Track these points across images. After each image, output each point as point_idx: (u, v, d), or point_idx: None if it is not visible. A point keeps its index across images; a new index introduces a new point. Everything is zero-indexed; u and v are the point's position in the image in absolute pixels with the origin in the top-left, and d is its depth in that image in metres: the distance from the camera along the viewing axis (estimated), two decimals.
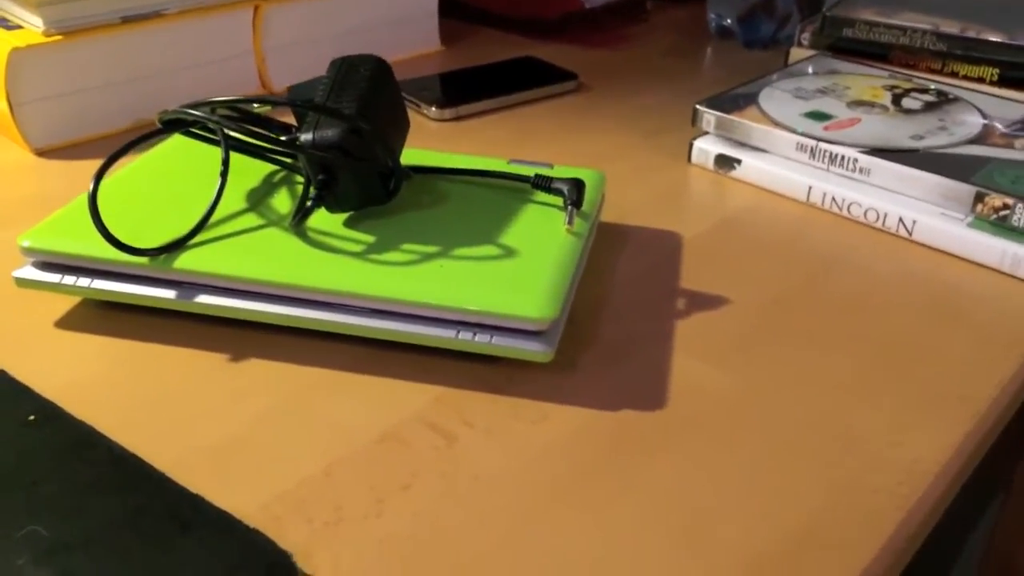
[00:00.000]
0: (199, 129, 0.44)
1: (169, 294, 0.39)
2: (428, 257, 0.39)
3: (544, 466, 0.34)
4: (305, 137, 0.40)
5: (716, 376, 0.39)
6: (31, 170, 0.56)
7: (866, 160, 0.52)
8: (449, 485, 0.33)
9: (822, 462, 0.35)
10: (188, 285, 0.40)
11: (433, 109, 0.65)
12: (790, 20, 0.80)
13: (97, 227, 0.39)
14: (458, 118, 0.65)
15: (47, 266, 0.41)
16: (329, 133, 0.40)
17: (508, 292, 0.37)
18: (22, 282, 0.40)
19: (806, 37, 0.71)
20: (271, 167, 0.47)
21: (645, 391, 0.38)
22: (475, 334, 0.37)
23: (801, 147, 0.54)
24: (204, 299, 0.39)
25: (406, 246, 0.40)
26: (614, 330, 0.42)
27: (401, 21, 0.76)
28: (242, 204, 0.43)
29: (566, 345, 0.40)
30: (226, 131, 0.43)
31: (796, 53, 0.71)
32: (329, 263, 0.39)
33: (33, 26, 0.56)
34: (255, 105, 0.47)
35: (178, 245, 0.40)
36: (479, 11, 0.87)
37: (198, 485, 0.32)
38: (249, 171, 0.46)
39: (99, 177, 0.40)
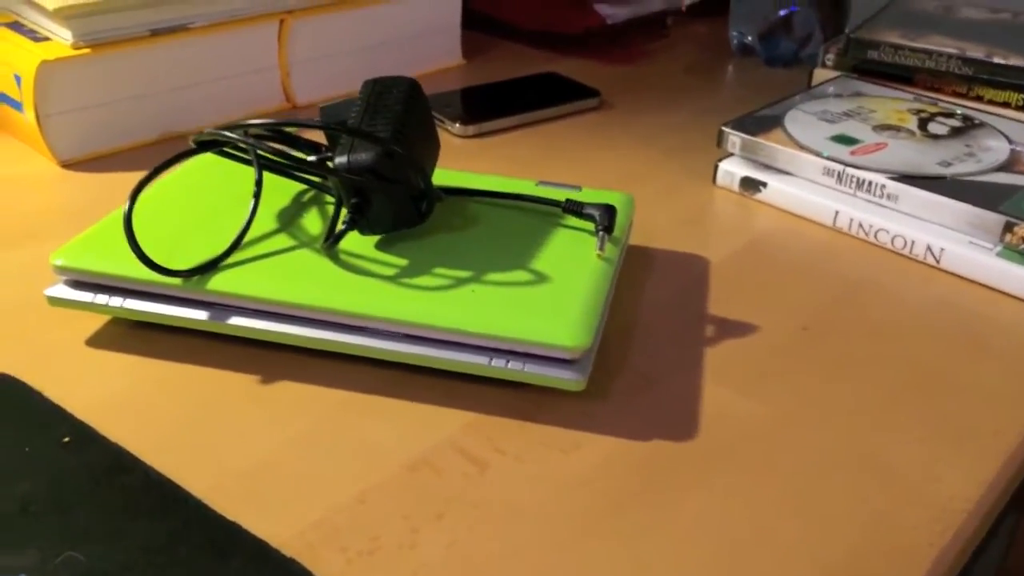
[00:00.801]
0: (232, 149, 0.44)
1: (201, 315, 0.39)
2: (460, 282, 0.39)
3: (576, 496, 0.34)
4: (340, 160, 0.40)
5: (746, 405, 0.39)
6: (57, 182, 0.56)
7: (894, 186, 0.52)
8: (482, 515, 0.33)
9: (856, 496, 0.35)
10: (220, 306, 0.40)
11: (457, 125, 0.65)
12: (812, 39, 0.80)
13: (132, 247, 0.39)
14: (481, 134, 0.65)
15: (79, 284, 0.41)
16: (363, 156, 0.40)
17: (541, 320, 0.37)
18: (54, 301, 0.40)
19: (830, 58, 0.71)
20: (301, 186, 0.47)
21: (676, 420, 0.38)
22: (508, 361, 0.37)
23: (828, 171, 0.54)
24: (236, 321, 0.39)
25: (437, 270, 0.40)
26: (644, 357, 0.42)
27: (424, 35, 0.76)
28: (273, 224, 0.43)
29: (597, 372, 0.40)
30: (259, 152, 0.43)
31: (820, 74, 0.71)
32: (361, 287, 0.39)
33: (62, 39, 0.57)
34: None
35: (212, 266, 0.40)
36: (501, 24, 0.87)
37: (233, 511, 0.32)
38: (279, 191, 0.46)
39: (134, 197, 0.41)
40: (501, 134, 0.65)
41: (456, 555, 0.31)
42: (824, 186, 0.55)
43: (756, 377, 0.41)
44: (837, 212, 0.53)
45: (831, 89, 0.65)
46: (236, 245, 0.41)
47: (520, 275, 0.40)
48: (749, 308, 0.46)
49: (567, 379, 0.37)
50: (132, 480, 0.33)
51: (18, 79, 0.56)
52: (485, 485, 0.34)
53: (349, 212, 0.41)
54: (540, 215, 0.45)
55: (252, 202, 0.42)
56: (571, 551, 0.32)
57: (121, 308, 0.40)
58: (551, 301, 0.38)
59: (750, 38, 0.82)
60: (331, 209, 0.44)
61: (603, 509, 0.34)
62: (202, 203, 0.45)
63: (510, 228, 0.44)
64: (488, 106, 0.68)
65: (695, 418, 0.38)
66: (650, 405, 0.39)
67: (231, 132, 0.42)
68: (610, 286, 0.42)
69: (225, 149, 0.44)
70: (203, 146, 0.43)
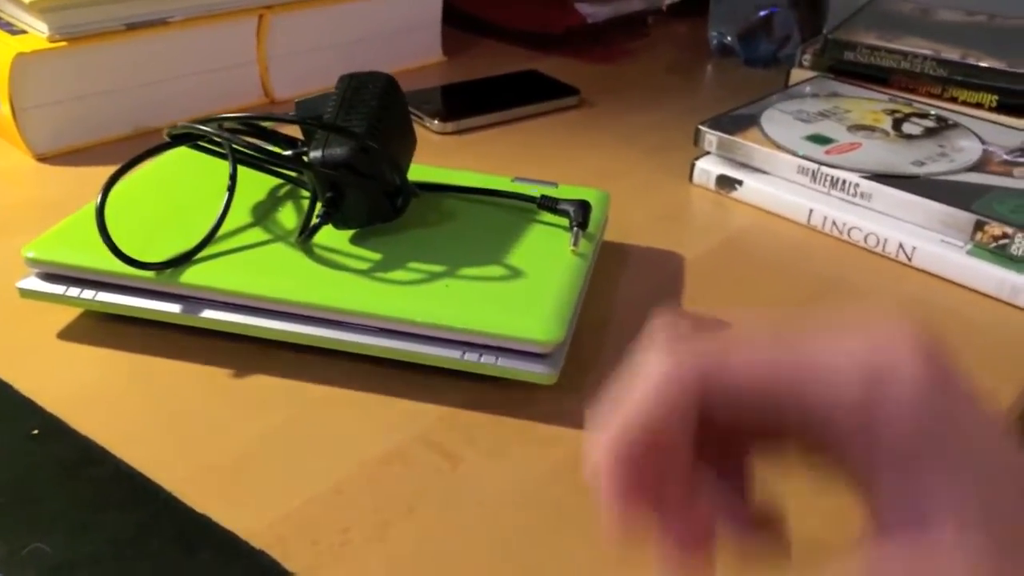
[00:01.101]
0: (207, 143, 0.44)
1: (174, 308, 0.39)
2: (434, 276, 0.39)
3: (546, 490, 0.34)
4: (314, 154, 0.40)
5: None
6: (32, 175, 0.55)
7: (867, 185, 0.52)
8: (453, 509, 0.33)
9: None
10: (193, 299, 0.40)
11: (435, 122, 0.65)
12: (790, 40, 0.81)
13: (104, 240, 0.39)
14: (460, 131, 0.65)
15: (51, 277, 0.40)
16: (338, 151, 0.40)
17: (514, 314, 0.38)
18: (26, 293, 0.40)
19: (807, 58, 0.71)
20: (276, 181, 0.47)
21: None
22: (480, 355, 0.37)
23: (802, 170, 0.55)
24: (209, 314, 0.39)
25: (412, 264, 0.40)
26: (618, 352, 0.42)
27: (404, 31, 0.76)
28: (247, 218, 0.43)
29: (570, 367, 0.40)
30: (234, 146, 0.43)
31: (797, 74, 0.71)
32: (334, 281, 0.39)
33: (38, 31, 0.56)
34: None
35: (185, 259, 0.40)
36: (481, 21, 0.87)
37: (203, 503, 0.32)
38: (254, 185, 0.46)
39: (107, 190, 0.40)
40: (480, 131, 0.65)
41: (426, 548, 0.31)
42: (799, 184, 0.55)
43: None
44: (811, 210, 0.54)
45: (807, 89, 0.65)
46: (209, 238, 0.41)
47: (494, 270, 0.40)
48: (723, 304, 0.46)
49: (539, 373, 0.37)
50: (101, 473, 0.33)
51: None
52: (457, 479, 0.34)
53: (324, 206, 0.41)
54: (516, 211, 0.45)
55: (226, 196, 0.42)
56: (541, 546, 0.32)
57: (93, 301, 0.40)
58: (524, 295, 0.39)
59: (729, 38, 0.83)
60: (306, 203, 0.44)
61: (572, 502, 0.34)
62: (176, 197, 0.45)
63: (485, 224, 0.44)
64: (467, 103, 0.68)
65: None
66: None
67: (205, 126, 0.42)
68: (583, 281, 0.42)
69: (200, 143, 0.44)
70: (177, 140, 0.43)
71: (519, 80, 0.74)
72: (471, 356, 0.38)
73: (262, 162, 0.44)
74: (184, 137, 0.43)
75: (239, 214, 0.43)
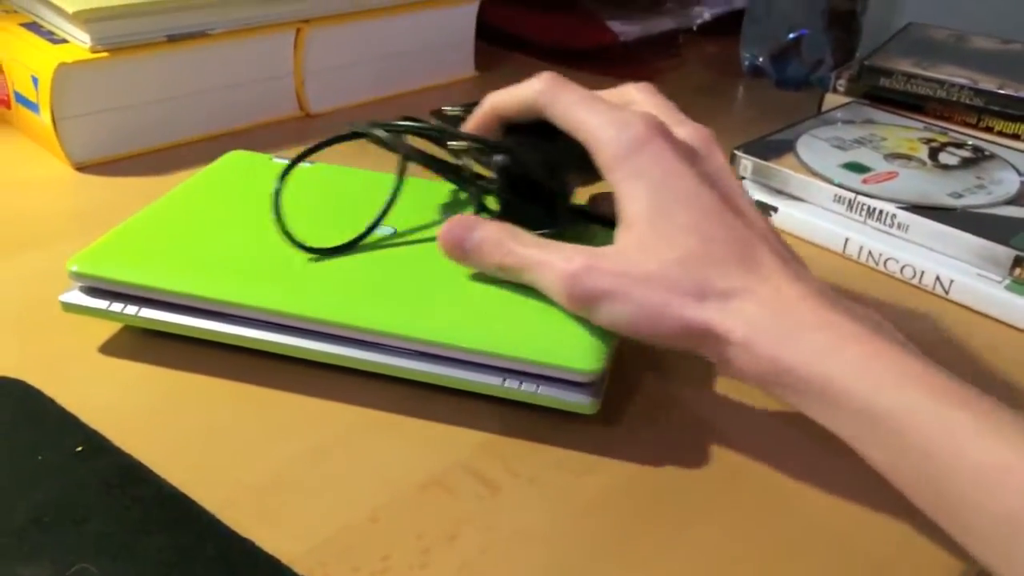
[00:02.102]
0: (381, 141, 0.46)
1: (217, 327, 0.39)
2: (477, 299, 0.39)
3: (586, 521, 0.34)
4: (498, 158, 0.43)
5: (758, 432, 0.39)
6: (71, 185, 0.56)
7: (904, 216, 0.52)
8: (494, 537, 0.33)
9: (871, 534, 0.35)
10: (235, 318, 0.40)
11: None
12: (823, 63, 0.80)
13: (280, 230, 0.42)
14: None
15: (94, 291, 0.41)
16: (526, 159, 0.42)
17: (556, 341, 0.37)
18: (69, 307, 0.41)
19: (841, 83, 0.71)
20: (333, 199, 0.46)
21: (689, 447, 0.38)
22: (521, 383, 0.37)
23: (839, 199, 0.54)
24: (251, 333, 0.39)
25: (456, 286, 0.40)
26: (656, 381, 0.42)
27: (438, 47, 0.76)
28: (298, 233, 0.43)
29: (612, 395, 0.40)
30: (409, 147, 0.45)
31: (830, 99, 0.71)
32: (378, 301, 0.39)
33: (79, 41, 0.57)
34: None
35: (351, 246, 0.42)
36: (514, 37, 0.87)
37: (244, 525, 0.32)
38: (309, 205, 0.46)
39: (284, 176, 0.44)
40: None
41: (468, 571, 0.32)
42: (835, 213, 0.55)
43: (768, 403, 0.41)
44: (847, 239, 0.54)
45: (842, 115, 0.65)
46: (371, 229, 0.43)
47: (537, 294, 0.40)
48: None
49: (580, 403, 0.37)
50: (145, 492, 0.33)
51: (35, 80, 0.56)
52: (497, 507, 0.34)
53: (501, 208, 0.43)
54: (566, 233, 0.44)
55: (393, 190, 0.43)
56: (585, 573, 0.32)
57: (136, 317, 0.40)
58: (567, 322, 0.38)
59: (761, 59, 0.83)
60: (363, 226, 0.43)
61: (612, 534, 0.34)
62: (234, 202, 0.46)
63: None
64: None
65: (707, 444, 0.38)
66: (662, 430, 0.39)
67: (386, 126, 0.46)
68: None
69: (378, 137, 0.46)
70: (357, 134, 0.46)
71: None
72: (511, 383, 0.37)
73: (437, 163, 0.46)
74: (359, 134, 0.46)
75: (296, 227, 0.43)
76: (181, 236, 0.43)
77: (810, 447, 0.39)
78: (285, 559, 0.31)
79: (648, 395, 0.41)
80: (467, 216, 0.40)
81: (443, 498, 0.35)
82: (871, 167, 0.57)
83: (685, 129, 0.40)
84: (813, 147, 0.59)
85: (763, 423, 0.40)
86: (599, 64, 0.84)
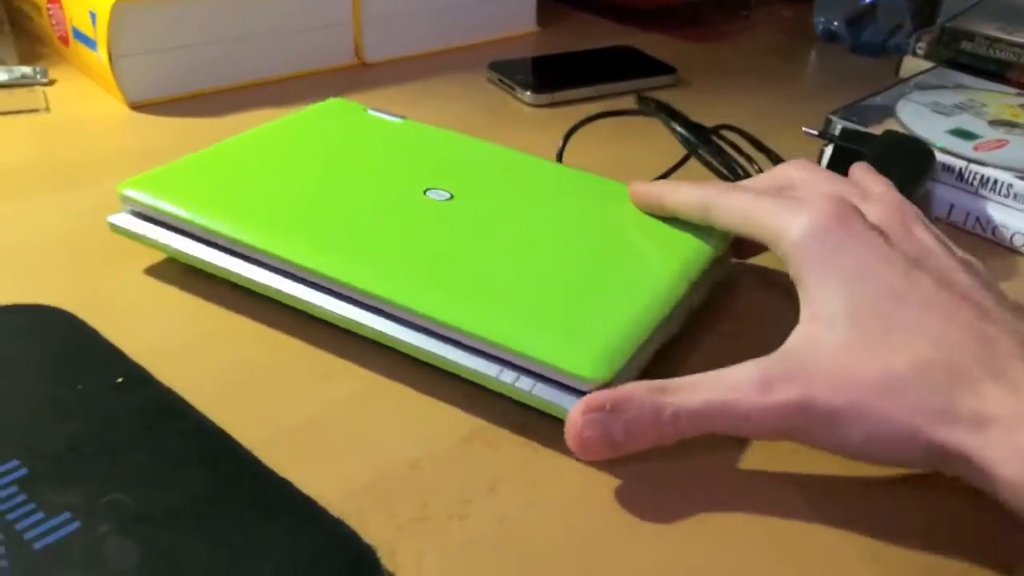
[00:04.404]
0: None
1: (247, 272, 0.38)
2: (502, 281, 0.36)
3: (626, 486, 0.33)
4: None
5: None
6: (126, 123, 0.55)
7: (1021, 185, 0.49)
8: (534, 494, 0.32)
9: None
10: (266, 266, 0.38)
11: (528, 94, 0.63)
12: (901, 28, 0.77)
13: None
14: (553, 104, 0.64)
15: (142, 217, 0.40)
16: None
17: (564, 339, 0.33)
18: (116, 229, 0.40)
19: (921, 47, 0.67)
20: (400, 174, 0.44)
21: None
22: (518, 378, 0.33)
23: (948, 167, 0.51)
24: (272, 281, 0.38)
25: (488, 264, 0.37)
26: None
27: (499, 1, 0.74)
28: (355, 195, 0.41)
29: None
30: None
31: (909, 63, 0.68)
32: (391, 267, 0.36)
33: None
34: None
35: None
36: None
37: (283, 466, 0.31)
38: (377, 170, 0.44)
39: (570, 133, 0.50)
40: (574, 105, 0.63)
41: (508, 531, 0.30)
42: (942, 183, 0.52)
43: None
44: (952, 206, 0.51)
45: (933, 80, 0.62)
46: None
47: (567, 282, 0.36)
48: None
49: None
50: (184, 426, 0.32)
51: (93, 16, 0.55)
52: (539, 464, 0.33)
53: None
54: (631, 213, 0.42)
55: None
56: (626, 538, 0.30)
57: (176, 249, 0.39)
58: (587, 318, 0.34)
59: (836, 24, 0.79)
60: (429, 205, 0.41)
61: (650, 504, 0.32)
62: (311, 150, 0.45)
63: (594, 220, 0.41)
64: (561, 76, 0.66)
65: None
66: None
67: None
68: (672, 311, 0.37)
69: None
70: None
71: (614, 55, 0.71)
72: (508, 376, 0.34)
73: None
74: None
75: (350, 188, 0.42)
76: (238, 176, 0.42)
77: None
78: (322, 501, 0.30)
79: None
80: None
81: (485, 452, 0.33)
82: (980, 134, 0.54)
83: (872, 205, 0.34)
84: (915, 112, 0.56)
85: None
86: (665, 24, 0.81)
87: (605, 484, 0.32)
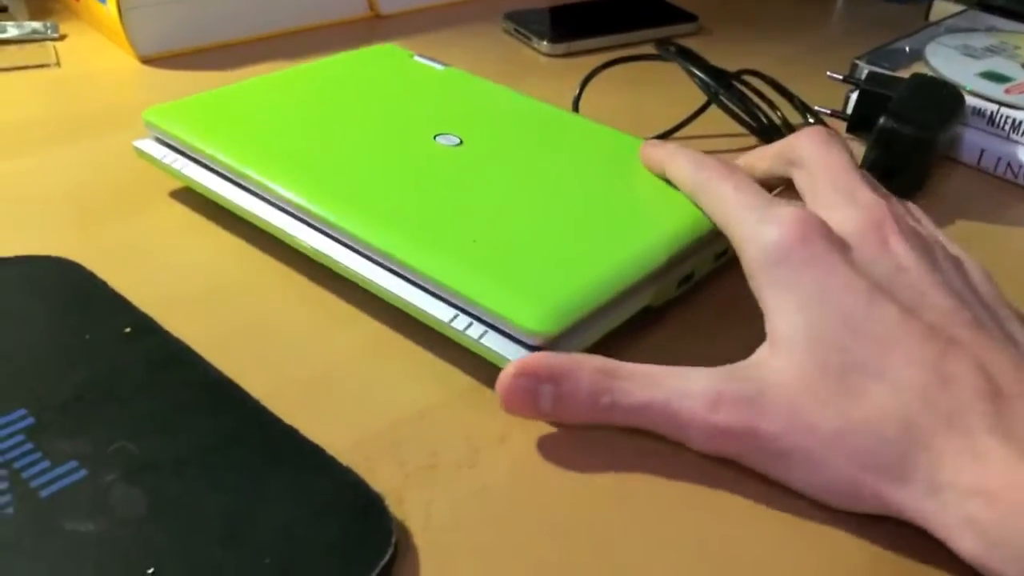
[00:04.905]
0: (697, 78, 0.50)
1: (255, 208, 0.38)
2: (478, 229, 0.35)
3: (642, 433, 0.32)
4: (886, 122, 0.45)
5: None
6: (137, 77, 0.55)
7: None
8: (545, 441, 0.31)
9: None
10: (259, 197, 0.39)
11: (544, 43, 0.62)
12: None
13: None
14: (569, 54, 0.62)
15: (165, 144, 0.42)
16: (907, 130, 0.45)
17: (515, 288, 0.32)
18: (140, 153, 0.42)
19: None
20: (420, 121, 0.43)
21: None
22: (470, 324, 0.32)
23: (978, 111, 0.50)
24: (256, 209, 0.38)
25: (471, 211, 0.36)
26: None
27: None
28: (362, 142, 0.41)
29: None
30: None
31: (940, 7, 0.65)
32: (370, 204, 0.36)
33: None
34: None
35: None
36: None
37: (291, 416, 0.31)
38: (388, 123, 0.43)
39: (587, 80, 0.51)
40: (591, 55, 0.62)
41: (519, 478, 0.30)
42: (972, 127, 0.50)
43: None
44: (983, 151, 0.50)
45: (964, 23, 0.59)
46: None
47: (543, 235, 0.35)
48: None
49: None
50: (191, 375, 0.32)
51: None
52: None
53: (863, 165, 0.45)
54: (637, 162, 0.40)
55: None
56: (640, 483, 0.30)
57: (192, 179, 0.40)
58: (549, 272, 0.33)
59: None
60: (438, 155, 0.40)
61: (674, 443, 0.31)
62: (344, 93, 0.45)
63: (594, 176, 0.39)
64: (578, 25, 0.65)
65: None
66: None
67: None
68: (644, 280, 0.35)
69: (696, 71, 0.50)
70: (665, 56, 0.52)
71: (633, 4, 0.70)
72: (460, 323, 0.33)
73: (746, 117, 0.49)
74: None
75: (363, 129, 0.42)
76: (259, 112, 0.42)
77: None
78: (330, 450, 0.30)
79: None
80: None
81: (494, 401, 0.33)
82: (1012, 77, 0.52)
83: (850, 212, 0.31)
84: (944, 56, 0.54)
85: None
86: None
87: (619, 429, 0.32)
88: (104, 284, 0.36)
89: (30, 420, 0.29)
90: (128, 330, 0.34)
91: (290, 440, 0.30)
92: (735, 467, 0.30)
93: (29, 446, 0.29)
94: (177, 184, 0.43)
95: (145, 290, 0.36)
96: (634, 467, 0.30)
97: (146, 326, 0.34)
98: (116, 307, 0.35)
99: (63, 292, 0.36)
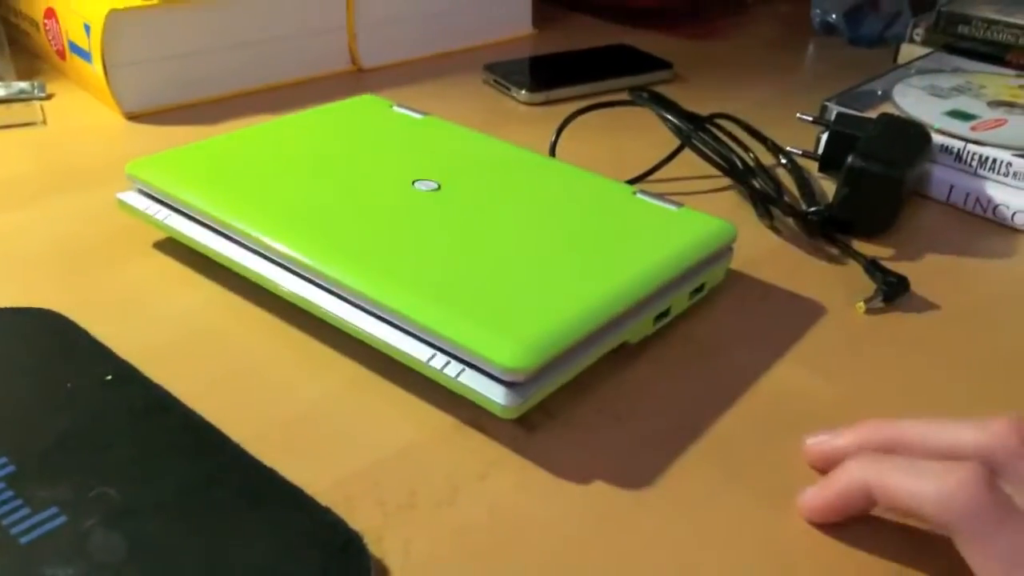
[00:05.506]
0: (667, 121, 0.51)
1: (236, 255, 0.39)
2: (455, 272, 0.35)
3: (625, 466, 0.32)
4: (854, 160, 0.46)
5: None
6: (122, 134, 0.56)
7: (1020, 164, 0.48)
8: (525, 479, 0.31)
9: None
10: (241, 245, 0.39)
11: (523, 92, 0.63)
12: (899, 17, 0.76)
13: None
14: (548, 102, 0.63)
15: (148, 196, 0.43)
16: (875, 168, 0.46)
17: (491, 326, 0.32)
18: (123, 205, 0.43)
19: (919, 33, 0.67)
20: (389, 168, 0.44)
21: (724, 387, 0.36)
22: (447, 363, 0.33)
23: (946, 149, 0.51)
24: (235, 255, 0.39)
25: (449, 255, 0.37)
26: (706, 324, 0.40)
27: (494, 4, 0.74)
28: (347, 185, 0.42)
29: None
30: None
31: (907, 50, 0.67)
32: (345, 247, 0.37)
33: None
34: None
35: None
36: None
37: (271, 458, 0.31)
38: (363, 170, 0.44)
39: (561, 129, 0.52)
40: (569, 103, 0.63)
41: (497, 517, 0.30)
42: (941, 164, 0.51)
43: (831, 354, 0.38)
44: (952, 187, 0.51)
45: (931, 64, 0.61)
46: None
47: (518, 273, 0.36)
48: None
49: (494, 400, 0.32)
50: (171, 421, 0.32)
51: (87, 28, 0.56)
52: (531, 449, 0.33)
53: (838, 201, 0.47)
54: (607, 202, 0.42)
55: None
56: (616, 521, 0.30)
57: (175, 230, 0.41)
58: (524, 309, 0.33)
59: (834, 16, 0.79)
60: (414, 198, 0.41)
61: (652, 481, 0.32)
62: (325, 142, 0.46)
63: (571, 216, 0.40)
64: (556, 75, 0.66)
65: (739, 388, 0.36)
66: (702, 374, 0.37)
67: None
68: (621, 315, 0.35)
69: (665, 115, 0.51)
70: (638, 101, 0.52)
71: (610, 53, 0.71)
72: (438, 362, 0.33)
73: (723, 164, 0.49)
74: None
75: (343, 177, 0.43)
76: (240, 162, 0.43)
77: (876, 393, 0.36)
78: (310, 490, 0.30)
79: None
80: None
81: (476, 438, 0.33)
82: (977, 114, 0.53)
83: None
84: (911, 96, 0.56)
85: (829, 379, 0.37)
86: (661, 23, 0.81)
87: (599, 467, 0.32)
88: (86, 334, 0.37)
89: (11, 468, 0.30)
90: (109, 378, 0.34)
91: (270, 481, 0.30)
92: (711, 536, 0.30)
93: (9, 493, 0.29)
94: (160, 235, 0.44)
95: (127, 339, 0.37)
96: (613, 508, 0.31)
97: (127, 374, 0.34)
98: (98, 356, 0.35)
99: (46, 342, 0.36)
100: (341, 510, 0.29)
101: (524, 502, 0.30)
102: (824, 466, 0.32)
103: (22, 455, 0.30)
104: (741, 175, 0.49)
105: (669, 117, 0.51)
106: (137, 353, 0.36)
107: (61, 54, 0.61)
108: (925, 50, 0.66)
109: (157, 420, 0.32)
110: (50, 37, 0.61)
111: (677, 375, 0.37)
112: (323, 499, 0.29)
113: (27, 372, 0.34)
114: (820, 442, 0.32)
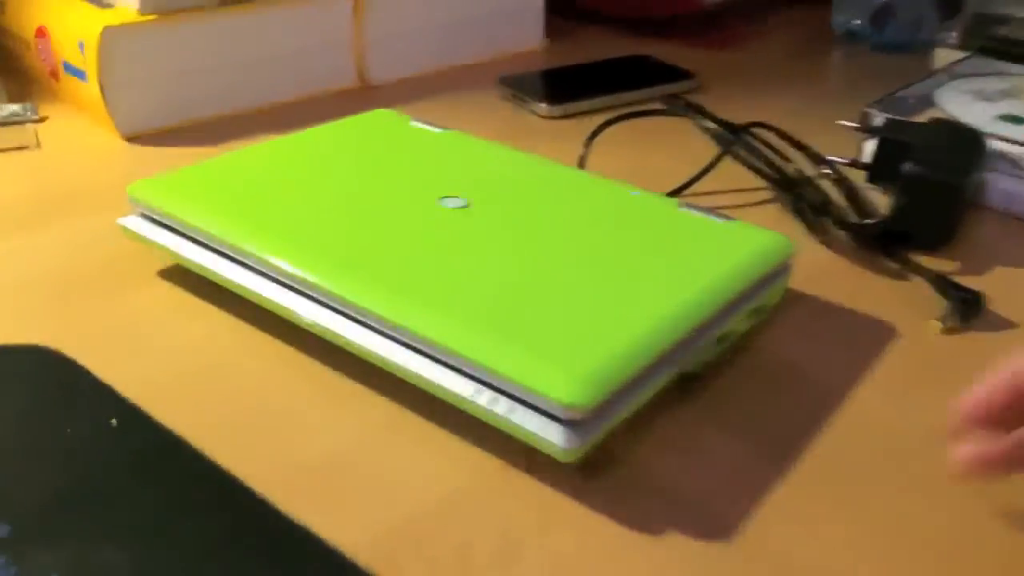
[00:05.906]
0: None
1: (248, 281, 0.36)
2: (496, 299, 0.32)
3: (703, 511, 0.29)
4: (910, 167, 0.43)
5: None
6: (121, 155, 0.52)
7: None
8: (590, 530, 0.28)
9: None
10: (252, 270, 0.36)
11: (543, 106, 0.60)
12: (924, 22, 0.74)
13: None
14: (567, 116, 0.60)
15: (151, 220, 0.40)
16: (936, 176, 0.43)
17: (544, 358, 0.29)
18: (126, 231, 0.40)
19: (953, 37, 0.64)
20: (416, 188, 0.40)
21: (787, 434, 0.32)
22: (495, 399, 0.29)
23: (1000, 155, 0.48)
24: (249, 283, 0.36)
25: (485, 279, 0.33)
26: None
27: (505, 15, 0.71)
28: (360, 203, 0.39)
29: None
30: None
31: (941, 55, 0.64)
32: (374, 273, 0.33)
33: (127, 5, 0.53)
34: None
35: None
36: (588, 11, 0.82)
37: (297, 510, 0.27)
38: (387, 190, 0.40)
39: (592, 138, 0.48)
40: (590, 116, 0.60)
41: (562, 572, 0.26)
42: (997, 171, 0.48)
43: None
44: (1010, 195, 0.48)
45: (969, 68, 0.58)
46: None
47: (567, 298, 0.32)
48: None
49: (552, 442, 0.28)
50: (183, 470, 0.29)
51: (82, 46, 0.52)
52: (591, 496, 0.29)
53: (894, 213, 0.44)
54: (657, 217, 0.38)
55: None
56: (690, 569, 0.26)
57: (179, 255, 0.38)
58: (579, 339, 0.30)
59: (858, 22, 0.76)
60: (440, 219, 0.37)
61: (737, 525, 0.28)
62: (338, 159, 0.43)
63: (615, 234, 0.37)
64: (575, 87, 0.63)
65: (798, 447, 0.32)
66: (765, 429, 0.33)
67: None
68: (682, 341, 0.32)
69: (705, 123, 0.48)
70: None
71: (630, 64, 0.68)
72: (483, 398, 0.29)
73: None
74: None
75: (363, 195, 0.39)
76: (249, 182, 0.40)
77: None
78: (343, 548, 0.26)
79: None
80: None
81: (529, 485, 0.29)
82: None
83: None
84: (957, 101, 0.53)
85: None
86: (678, 34, 0.78)
87: (671, 514, 0.28)
88: (87, 373, 0.33)
89: (5, 529, 0.26)
90: (114, 422, 0.30)
91: (298, 540, 0.26)
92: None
93: (3, 560, 0.25)
94: (166, 262, 0.41)
95: (133, 377, 0.33)
96: (693, 564, 0.27)
97: (133, 417, 0.31)
98: (100, 397, 0.32)
99: (43, 384, 0.32)
100: (387, 573, 0.25)
101: (590, 559, 0.27)
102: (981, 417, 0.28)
103: (17, 514, 0.26)
104: (790, 185, 0.46)
105: (711, 125, 0.47)
106: (143, 393, 0.32)
107: (54, 75, 0.58)
108: (959, 54, 0.63)
109: (167, 469, 0.29)
110: (42, 57, 0.58)
111: (748, 406, 0.33)
112: (363, 559, 0.26)
113: (21, 418, 0.31)
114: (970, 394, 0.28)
